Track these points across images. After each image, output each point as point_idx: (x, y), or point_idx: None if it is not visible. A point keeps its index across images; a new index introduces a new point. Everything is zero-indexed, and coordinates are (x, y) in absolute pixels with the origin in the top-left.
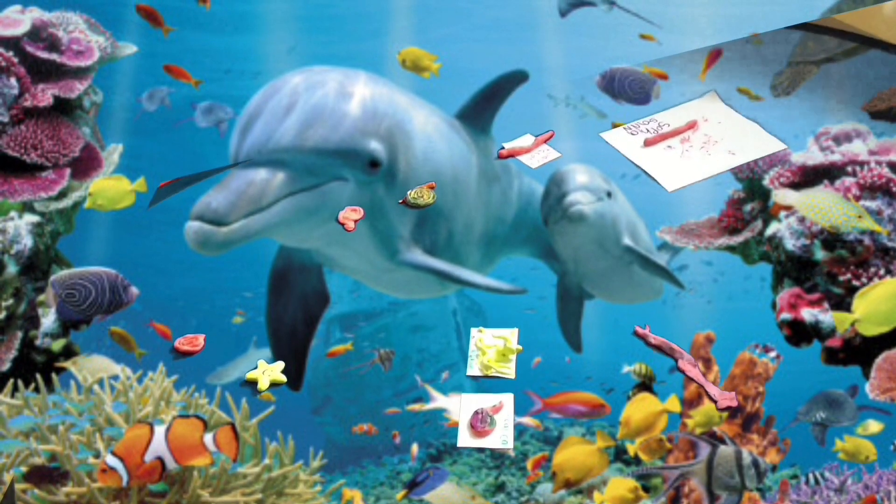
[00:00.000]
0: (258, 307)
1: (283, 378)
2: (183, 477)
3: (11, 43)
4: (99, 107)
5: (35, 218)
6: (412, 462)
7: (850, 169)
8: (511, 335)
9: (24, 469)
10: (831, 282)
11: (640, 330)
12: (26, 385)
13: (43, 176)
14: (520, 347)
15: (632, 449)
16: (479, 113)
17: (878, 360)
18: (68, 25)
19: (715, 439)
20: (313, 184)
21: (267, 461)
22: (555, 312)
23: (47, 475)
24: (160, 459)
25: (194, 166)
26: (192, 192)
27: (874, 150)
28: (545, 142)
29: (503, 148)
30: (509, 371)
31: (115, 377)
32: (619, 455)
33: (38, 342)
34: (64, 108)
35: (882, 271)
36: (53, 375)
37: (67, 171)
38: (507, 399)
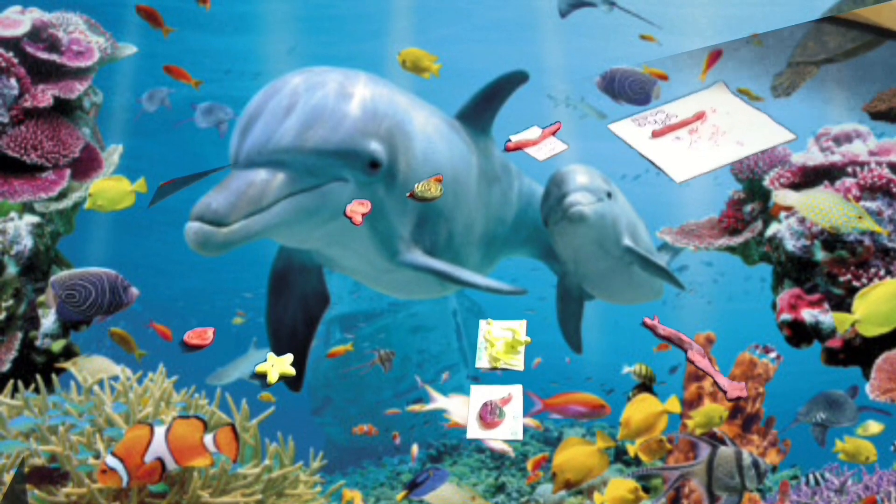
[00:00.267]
0: (258, 308)
1: (292, 370)
2: (183, 477)
3: (11, 43)
4: (99, 107)
5: (35, 218)
6: (412, 463)
7: (850, 170)
8: (520, 327)
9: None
10: (831, 282)
11: (648, 321)
12: (26, 386)
13: (43, 177)
14: (528, 339)
15: (632, 450)
16: (479, 113)
17: (879, 360)
18: (68, 26)
19: (715, 440)
20: (313, 184)
21: (267, 462)
22: (555, 313)
23: (47, 476)
24: (160, 460)
25: (194, 167)
26: (192, 192)
27: (874, 150)
28: (552, 134)
29: (510, 140)
30: (518, 363)
31: (115, 378)
32: (619, 456)
33: (38, 343)
34: (64, 109)
35: (882, 272)
36: (53, 376)
37: (67, 172)
38: (517, 391)
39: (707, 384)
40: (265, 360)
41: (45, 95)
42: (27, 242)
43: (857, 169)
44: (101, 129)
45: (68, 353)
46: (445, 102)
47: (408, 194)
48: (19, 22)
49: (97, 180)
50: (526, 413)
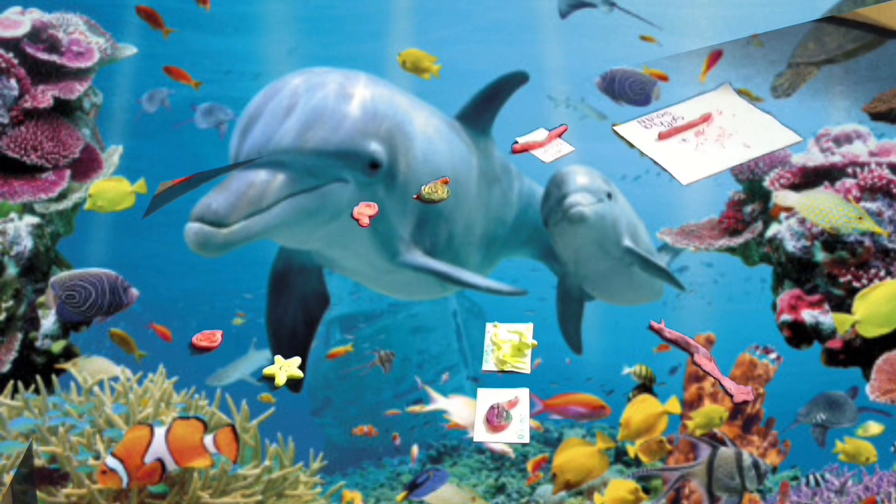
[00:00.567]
0: (258, 309)
1: (300, 374)
2: (183, 478)
3: (11, 44)
4: (99, 108)
5: (35, 219)
6: (412, 463)
7: (850, 170)
8: (526, 330)
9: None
10: (832, 283)
11: (655, 325)
12: (26, 386)
13: (43, 177)
14: (535, 342)
15: (632, 450)
16: (479, 114)
17: (879, 361)
18: (68, 27)
19: (715, 441)
20: (313, 185)
21: (267, 463)
22: (555, 314)
23: (47, 476)
24: (160, 461)
25: (194, 168)
26: (193, 193)
27: (874, 151)
28: (559, 136)
29: (516, 142)
30: (524, 366)
31: (115, 379)
32: (619, 456)
33: (38, 343)
34: (64, 110)
35: (882, 273)
36: (53, 377)
37: (67, 173)
38: (523, 394)
39: (707, 385)
40: (267, 362)
41: (45, 96)
42: (27, 243)
43: (858, 170)
44: (101, 129)
45: (68, 354)
46: (445, 103)
47: (414, 196)
48: (19, 23)
49: (97, 181)
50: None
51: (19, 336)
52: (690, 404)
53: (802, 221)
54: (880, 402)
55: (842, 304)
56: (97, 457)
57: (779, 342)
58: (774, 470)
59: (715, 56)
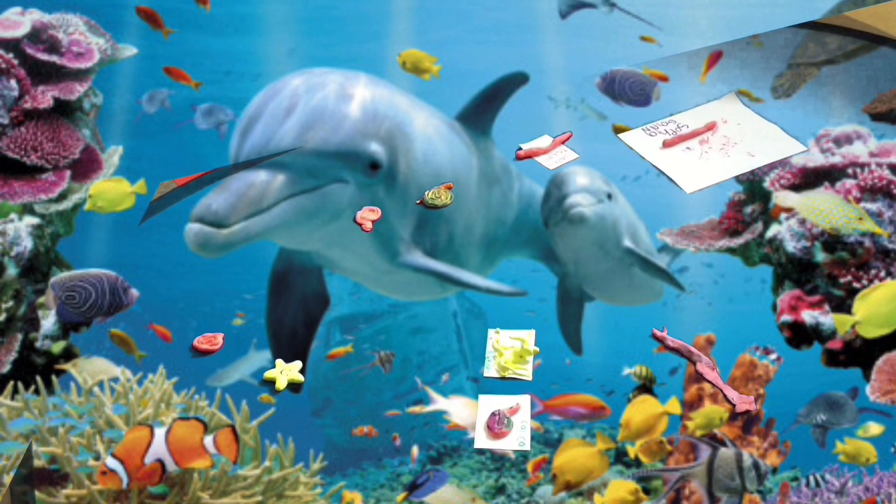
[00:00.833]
0: (258, 309)
1: (301, 378)
2: (183, 479)
3: (11, 45)
4: (99, 109)
5: (35, 220)
6: (412, 464)
7: (850, 171)
8: (528, 336)
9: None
10: (832, 284)
11: (657, 333)
12: (26, 387)
13: (43, 178)
14: (537, 349)
15: (632, 451)
16: (479, 115)
17: (879, 362)
18: (68, 27)
19: (715, 441)
20: (313, 186)
21: (267, 463)
22: (555, 314)
23: (47, 477)
24: (160, 462)
25: (194, 168)
26: (193, 195)
27: (875, 152)
28: (563, 143)
29: (520, 149)
30: (526, 373)
31: (115, 379)
32: (619, 457)
33: (37, 344)
34: (64, 110)
35: (883, 273)
36: (53, 377)
37: (67, 173)
38: (524, 400)
39: (708, 386)
40: (267, 363)
41: (45, 97)
42: (27, 244)
43: (858, 170)
44: (101, 130)
45: (68, 355)
46: (445, 104)
47: (418, 202)
48: (19, 23)
49: (97, 182)
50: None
51: (19, 337)
52: (690, 405)
53: (803, 222)
54: (880, 403)
55: (842, 305)
56: (97, 457)
57: (779, 343)
58: (774, 471)
59: (715, 57)
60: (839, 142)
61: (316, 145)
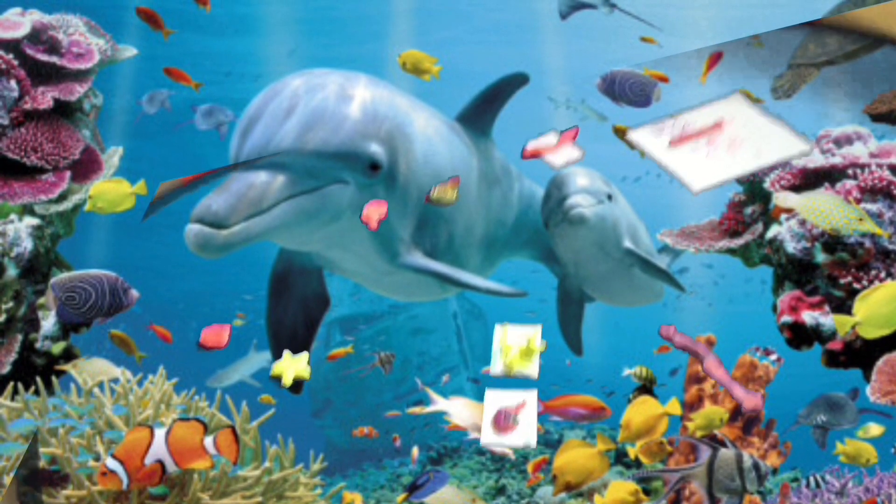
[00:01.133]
0: (258, 310)
1: (307, 372)
2: (183, 480)
3: (11, 45)
4: (99, 109)
5: (35, 221)
6: (413, 465)
7: (850, 172)
8: (535, 332)
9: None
10: (832, 284)
11: (665, 331)
12: (26, 388)
13: (43, 179)
14: (544, 344)
15: (632, 452)
16: (479, 115)
17: (879, 363)
18: (68, 28)
19: (716, 442)
20: (314, 186)
21: (267, 464)
22: (555, 315)
23: (47, 478)
24: (160, 462)
25: (195, 169)
26: (193, 194)
27: (875, 152)
28: (571, 139)
29: (526, 147)
30: (532, 370)
31: (116, 380)
32: (619, 458)
33: (38, 345)
34: (64, 111)
35: (883, 274)
36: (53, 378)
37: (67, 174)
38: (531, 396)
39: (707, 386)
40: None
41: (45, 97)
42: (27, 244)
43: (858, 171)
44: (101, 130)
45: (68, 356)
46: (446, 104)
47: (425, 198)
48: (19, 24)
49: (97, 182)
50: None
51: (19, 337)
52: (691, 406)
53: (803, 223)
54: (881, 404)
55: (842, 306)
56: (97, 458)
57: (779, 344)
58: (775, 471)
59: (715, 57)
60: (839, 142)
61: (316, 146)
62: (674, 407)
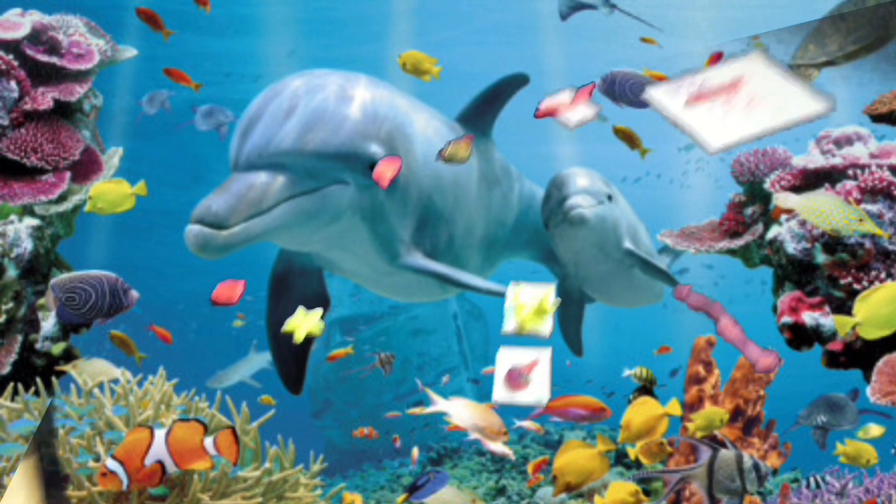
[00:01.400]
0: (258, 311)
1: (320, 328)
2: (183, 480)
3: (11, 46)
4: (99, 110)
5: (35, 221)
6: (413, 465)
7: (851, 172)
8: (548, 291)
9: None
10: (832, 285)
11: (681, 290)
12: (26, 388)
13: (43, 179)
14: (558, 300)
15: (632, 452)
16: (479, 116)
17: (880, 363)
18: (68, 29)
19: (716, 443)
20: (314, 187)
21: (267, 465)
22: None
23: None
24: (160, 463)
25: (195, 169)
26: (193, 195)
27: (875, 153)
28: (587, 95)
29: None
30: (545, 328)
31: (116, 381)
32: (619, 459)
33: (38, 346)
34: (64, 112)
35: (883, 275)
36: (53, 379)
37: (67, 175)
38: (545, 354)
39: (708, 387)
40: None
41: (45, 98)
42: (27, 245)
43: (858, 172)
44: (101, 131)
45: (68, 356)
46: (446, 105)
47: (436, 158)
48: (19, 24)
49: (97, 183)
50: (526, 416)
51: (19, 338)
52: (691, 406)
53: (803, 223)
54: (881, 405)
55: (842, 306)
56: (97, 459)
57: (779, 344)
58: (775, 472)
59: (715, 58)
60: (840, 143)
61: (316, 147)
62: (674, 408)
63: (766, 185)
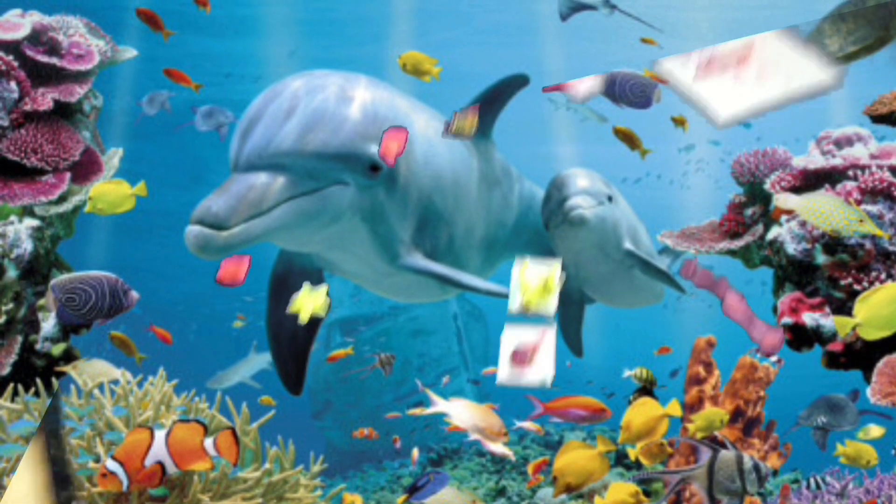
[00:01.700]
0: (258, 311)
1: (324, 310)
2: (183, 481)
3: (12, 47)
4: (99, 111)
5: (35, 222)
6: (413, 466)
7: (851, 173)
8: (554, 269)
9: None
10: (832, 286)
11: (686, 269)
12: (26, 389)
13: (43, 180)
14: (562, 278)
15: (633, 453)
16: (479, 117)
17: (880, 364)
18: (68, 29)
19: (716, 444)
20: (314, 188)
21: (267, 465)
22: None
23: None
24: (160, 464)
25: (195, 170)
26: (193, 195)
27: (875, 154)
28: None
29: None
30: (550, 307)
31: (116, 381)
32: (619, 459)
33: (38, 346)
34: (64, 112)
35: (883, 275)
36: (54, 380)
37: (67, 175)
38: (549, 333)
39: (708, 388)
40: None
41: (45, 99)
42: (27, 246)
43: (859, 172)
44: (101, 132)
45: (68, 357)
46: (446, 106)
47: (443, 132)
48: (19, 25)
49: (97, 184)
50: (527, 417)
51: (19, 339)
52: (691, 407)
53: (803, 224)
54: (881, 405)
55: (843, 307)
56: (97, 460)
57: None
58: (775, 473)
59: None
60: (840, 144)
61: (316, 147)
62: (674, 408)
63: (767, 186)
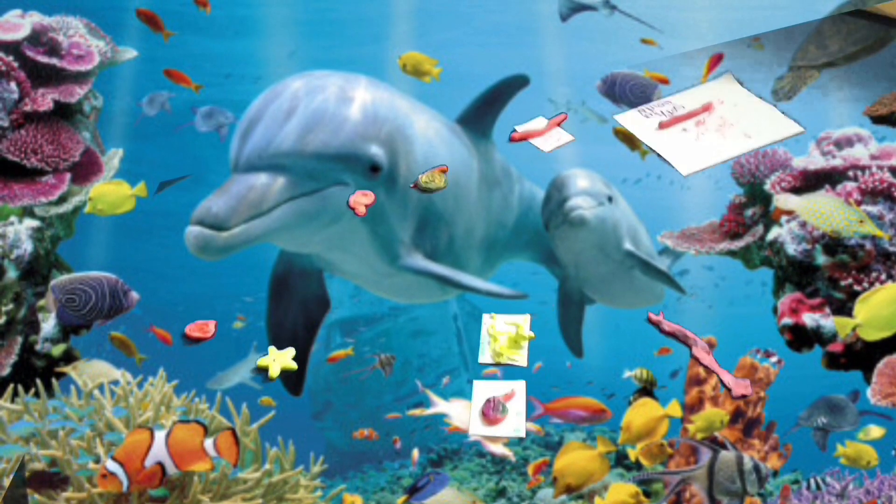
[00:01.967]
0: (258, 312)
1: (294, 365)
2: (183, 482)
3: (11, 47)
4: (99, 111)
5: (35, 223)
6: (413, 467)
7: (851, 174)
8: (524, 321)
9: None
10: (833, 287)
11: (653, 317)
12: (26, 390)
13: (43, 181)
14: (532, 334)
15: (633, 454)
16: (479, 117)
17: (880, 365)
18: (68, 30)
19: (716, 444)
20: (314, 189)
21: (267, 466)
22: (556, 317)
23: (47, 480)
24: (160, 464)
25: (195, 170)
26: (193, 196)
27: (876, 154)
28: (558, 124)
29: (515, 131)
30: (521, 358)
31: (116, 382)
32: (620, 460)
33: (38, 347)
34: (64, 113)
35: (883, 276)
36: (53, 380)
37: (67, 176)
38: (520, 387)
39: (708, 388)
40: (276, 350)
41: (45, 99)
42: (27, 246)
43: (859, 173)
44: (101, 132)
45: (68, 358)
46: (446, 106)
47: (412, 185)
48: (19, 26)
49: (97, 184)
50: (527, 417)
51: (19, 339)
52: (691, 408)
53: (803, 225)
54: (881, 406)
55: (843, 308)
56: (97, 460)
57: (780, 346)
58: (775, 474)
59: (716, 59)
60: (840, 144)
61: (316, 148)
62: (674, 409)
63: (767, 187)
